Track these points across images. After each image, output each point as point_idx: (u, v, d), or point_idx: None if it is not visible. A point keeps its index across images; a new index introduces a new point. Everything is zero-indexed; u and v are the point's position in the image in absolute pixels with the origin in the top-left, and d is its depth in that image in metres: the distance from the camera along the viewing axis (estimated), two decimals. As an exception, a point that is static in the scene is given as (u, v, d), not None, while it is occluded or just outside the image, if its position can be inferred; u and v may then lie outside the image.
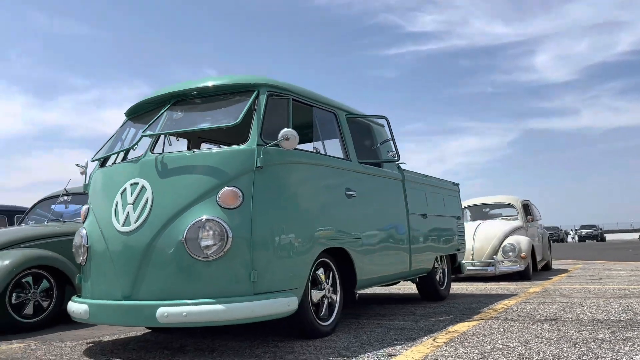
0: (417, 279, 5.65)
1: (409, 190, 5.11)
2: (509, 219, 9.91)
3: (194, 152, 3.40)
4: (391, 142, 4.70)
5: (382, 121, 4.78)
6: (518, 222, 9.60)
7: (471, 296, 6.18)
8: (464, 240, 6.52)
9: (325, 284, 3.69)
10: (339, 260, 3.89)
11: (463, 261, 8.50)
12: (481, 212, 10.70)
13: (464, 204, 10.57)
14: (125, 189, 3.38)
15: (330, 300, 3.75)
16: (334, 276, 3.83)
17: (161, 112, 3.64)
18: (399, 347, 3.22)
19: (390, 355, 2.99)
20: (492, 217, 10.77)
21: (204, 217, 3.08)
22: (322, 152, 4.04)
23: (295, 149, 3.56)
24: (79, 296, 3.60)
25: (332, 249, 3.77)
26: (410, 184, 5.16)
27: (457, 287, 7.51)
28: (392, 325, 4.09)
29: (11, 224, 7.91)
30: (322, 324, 3.62)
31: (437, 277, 5.81)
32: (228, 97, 3.59)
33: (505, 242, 8.74)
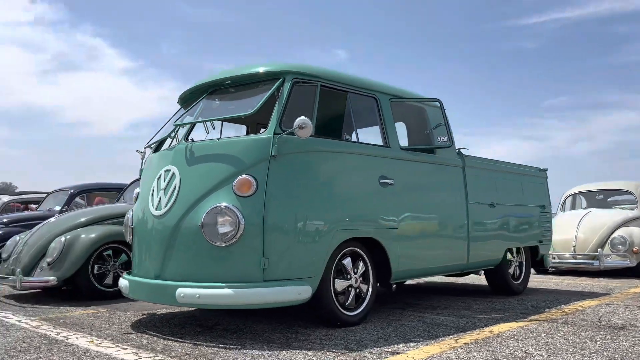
0: (483, 272, 5.33)
1: (471, 177, 4.78)
2: (626, 208, 8.85)
3: (218, 140, 3.52)
4: (444, 127, 4.42)
5: (436, 104, 4.50)
6: (635, 212, 8.53)
7: (553, 292, 5.66)
8: (549, 231, 5.96)
9: (352, 274, 3.63)
10: (373, 250, 3.80)
11: (552, 253, 7.90)
12: (594, 199, 9.67)
13: (576, 189, 9.63)
14: (160, 175, 3.60)
15: (358, 290, 3.68)
16: (366, 266, 3.76)
17: (197, 101, 3.80)
18: (412, 344, 3.08)
19: (395, 353, 2.88)
20: (609, 205, 9.68)
21: (220, 204, 3.19)
22: (355, 139, 3.93)
23: (321, 136, 3.52)
24: (129, 273, 3.94)
25: (365, 238, 3.69)
26: (472, 170, 4.83)
27: (548, 281, 6.92)
28: (431, 319, 3.91)
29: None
30: (347, 313, 3.58)
31: (511, 271, 5.41)
32: (257, 85, 3.64)
33: (615, 234, 7.84)
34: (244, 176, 3.22)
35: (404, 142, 4.32)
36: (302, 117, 3.22)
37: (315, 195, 3.39)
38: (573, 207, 9.69)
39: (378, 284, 3.91)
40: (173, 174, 3.50)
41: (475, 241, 4.72)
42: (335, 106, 3.89)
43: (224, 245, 3.16)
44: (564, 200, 9.69)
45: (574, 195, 9.79)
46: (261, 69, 3.63)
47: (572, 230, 8.16)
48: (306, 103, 3.55)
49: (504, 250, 5.16)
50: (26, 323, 3.87)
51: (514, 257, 5.48)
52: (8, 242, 5.79)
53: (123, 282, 3.76)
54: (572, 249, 7.93)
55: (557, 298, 5.19)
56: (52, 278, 4.85)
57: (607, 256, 7.68)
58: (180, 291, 3.16)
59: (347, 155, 3.64)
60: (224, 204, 3.18)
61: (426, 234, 4.19)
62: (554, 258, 8.16)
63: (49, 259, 4.99)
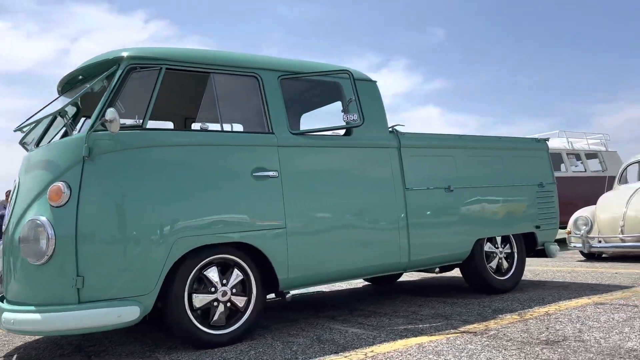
0: (459, 269, 4.51)
1: (411, 158, 4.00)
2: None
3: (48, 144, 3.15)
4: (355, 102, 3.69)
5: (345, 77, 3.77)
6: None
7: (551, 287, 4.66)
8: (552, 213, 4.93)
9: (220, 286, 3.09)
10: (256, 256, 3.24)
11: (598, 236, 6.66)
12: (656, 169, 8.09)
13: (634, 159, 8.11)
14: (16, 184, 3.32)
15: (229, 304, 3.14)
16: (246, 275, 3.21)
17: (53, 100, 3.47)
18: (242, 375, 2.50)
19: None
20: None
21: (33, 218, 2.82)
22: (227, 127, 3.36)
23: (157, 129, 3.02)
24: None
25: (238, 242, 3.15)
26: (413, 150, 4.04)
27: (576, 270, 5.79)
28: (334, 333, 3.26)
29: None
30: (213, 332, 3.06)
31: (494, 264, 4.53)
32: (98, 77, 3.22)
33: (672, 210, 6.43)
34: (56, 183, 2.82)
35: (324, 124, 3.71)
36: (110, 109, 2.74)
37: (145, 199, 2.89)
38: (640, 179, 8.18)
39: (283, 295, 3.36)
40: (17, 183, 3.20)
41: (420, 234, 3.95)
42: (193, 91, 3.36)
43: (37, 263, 2.78)
44: (623, 171, 8.21)
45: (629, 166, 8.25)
46: (98, 59, 3.20)
47: (620, 207, 6.84)
48: (147, 91, 3.06)
49: (472, 241, 4.30)
50: None
51: (497, 247, 4.57)
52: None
53: None
54: (620, 229, 6.65)
55: (542, 296, 4.23)
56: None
57: (663, 237, 6.32)
58: (4, 316, 2.85)
59: (194, 147, 3.09)
60: (35, 217, 2.81)
61: (335, 231, 3.52)
62: (600, 241, 6.91)
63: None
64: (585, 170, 10.60)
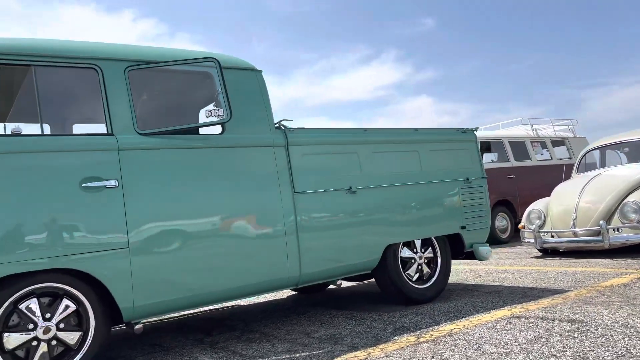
0: (374, 277, 4.01)
1: (301, 158, 3.50)
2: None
3: None
4: (222, 95, 3.17)
5: (210, 65, 3.24)
6: (665, 167, 6.50)
7: (485, 293, 4.18)
8: (481, 212, 4.44)
9: (40, 322, 2.58)
10: (95, 282, 2.73)
11: (551, 230, 6.20)
12: (615, 156, 7.63)
13: (597, 144, 7.60)
14: None
15: (56, 342, 2.62)
16: (78, 306, 2.70)
17: None
18: None
19: None
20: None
21: None
22: (48, 128, 2.84)
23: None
24: None
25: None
26: (304, 148, 3.53)
27: (524, 268, 5.31)
28: (190, 370, 2.76)
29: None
30: (32, 380, 2.54)
31: (411, 272, 4.04)
32: None
33: (627, 200, 5.96)
34: None
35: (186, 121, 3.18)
36: None
37: None
38: (603, 165, 7.66)
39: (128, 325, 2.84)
40: None
41: (314, 245, 3.45)
42: (7, 88, 2.83)
43: None
44: (581, 158, 7.74)
45: (601, 150, 7.73)
46: None
47: (573, 198, 6.37)
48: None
49: (382, 247, 3.80)
50: None
51: (416, 253, 4.09)
52: None
53: None
54: (572, 222, 6.18)
55: (462, 307, 3.74)
56: None
57: (617, 229, 5.87)
58: None
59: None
60: None
61: (196, 246, 3.01)
62: (553, 236, 6.44)
63: None
64: (552, 158, 10.14)
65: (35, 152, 2.63)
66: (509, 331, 2.94)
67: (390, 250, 3.90)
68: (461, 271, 5.75)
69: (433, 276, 4.17)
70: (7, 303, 2.52)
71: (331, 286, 3.79)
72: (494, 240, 8.30)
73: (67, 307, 2.67)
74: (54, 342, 2.61)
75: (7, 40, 2.73)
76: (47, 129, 2.94)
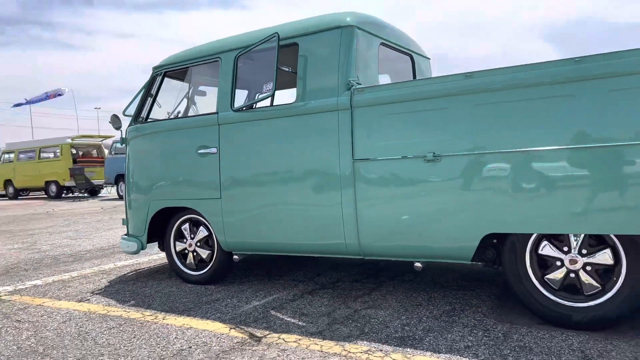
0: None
1: (369, 121, 3.10)
2: None
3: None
4: (273, 70, 3.23)
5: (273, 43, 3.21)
6: None
7: None
8: None
9: (189, 239, 4.00)
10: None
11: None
12: None
13: None
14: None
15: (196, 254, 3.98)
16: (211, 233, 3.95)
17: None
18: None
19: None
20: None
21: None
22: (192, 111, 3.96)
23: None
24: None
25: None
26: (372, 110, 3.07)
27: None
28: None
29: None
30: (188, 272, 4.07)
31: (557, 277, 2.77)
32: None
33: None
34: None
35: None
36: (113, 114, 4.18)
37: (141, 170, 4.19)
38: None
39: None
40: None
41: (375, 217, 3.11)
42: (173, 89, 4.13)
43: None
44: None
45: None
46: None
47: None
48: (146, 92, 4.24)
49: (479, 236, 2.84)
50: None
51: (567, 251, 2.71)
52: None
53: None
54: None
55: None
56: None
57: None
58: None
59: (159, 134, 3.99)
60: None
61: (269, 202, 3.49)
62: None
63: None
64: None
65: (172, 130, 3.98)
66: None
67: (508, 243, 2.83)
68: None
69: (604, 293, 2.64)
70: (177, 224, 4.09)
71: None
72: None
73: (202, 232, 3.97)
74: (195, 254, 4.01)
75: (178, 56, 4.07)
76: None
